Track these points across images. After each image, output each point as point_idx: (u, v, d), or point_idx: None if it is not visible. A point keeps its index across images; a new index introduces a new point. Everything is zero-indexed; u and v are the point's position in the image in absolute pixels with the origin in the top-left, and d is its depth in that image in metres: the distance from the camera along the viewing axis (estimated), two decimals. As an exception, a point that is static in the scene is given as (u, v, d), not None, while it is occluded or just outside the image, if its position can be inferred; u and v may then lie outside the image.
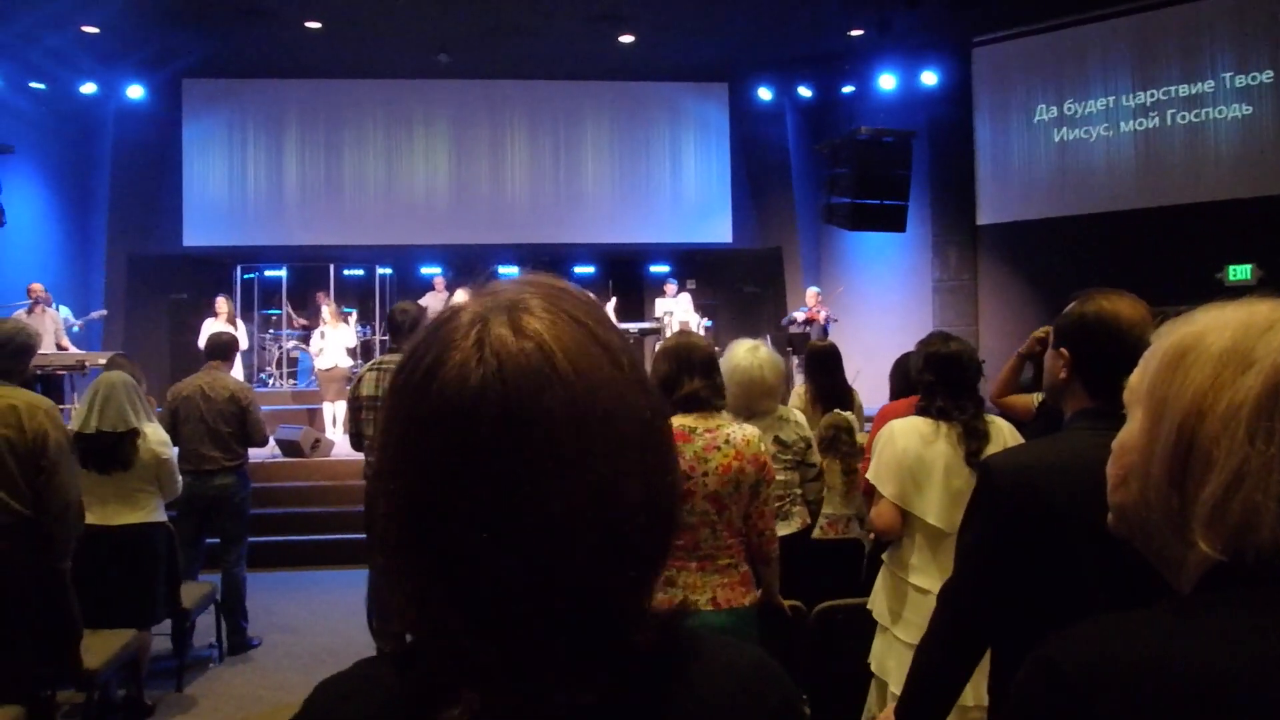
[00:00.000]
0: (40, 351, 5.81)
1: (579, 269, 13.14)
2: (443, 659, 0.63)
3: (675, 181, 12.56)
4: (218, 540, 5.26)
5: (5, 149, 9.65)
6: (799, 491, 3.56)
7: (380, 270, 12.72)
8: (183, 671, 4.72)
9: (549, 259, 12.71)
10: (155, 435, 4.31)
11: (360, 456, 5.01)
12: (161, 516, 4.35)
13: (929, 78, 11.20)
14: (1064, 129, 10.71)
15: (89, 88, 11.14)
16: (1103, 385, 1.60)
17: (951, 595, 1.71)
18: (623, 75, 12.06)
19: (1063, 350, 1.67)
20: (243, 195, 12.07)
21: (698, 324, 10.75)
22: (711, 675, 0.69)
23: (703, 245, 12.61)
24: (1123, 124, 10.32)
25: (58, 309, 9.38)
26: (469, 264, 12.26)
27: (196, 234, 11.93)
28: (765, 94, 11.99)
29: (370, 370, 4.29)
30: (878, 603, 2.65)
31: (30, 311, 8.79)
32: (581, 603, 0.62)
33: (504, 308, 0.65)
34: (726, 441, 2.59)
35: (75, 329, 9.47)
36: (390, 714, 0.65)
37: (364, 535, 7.08)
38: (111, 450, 4.16)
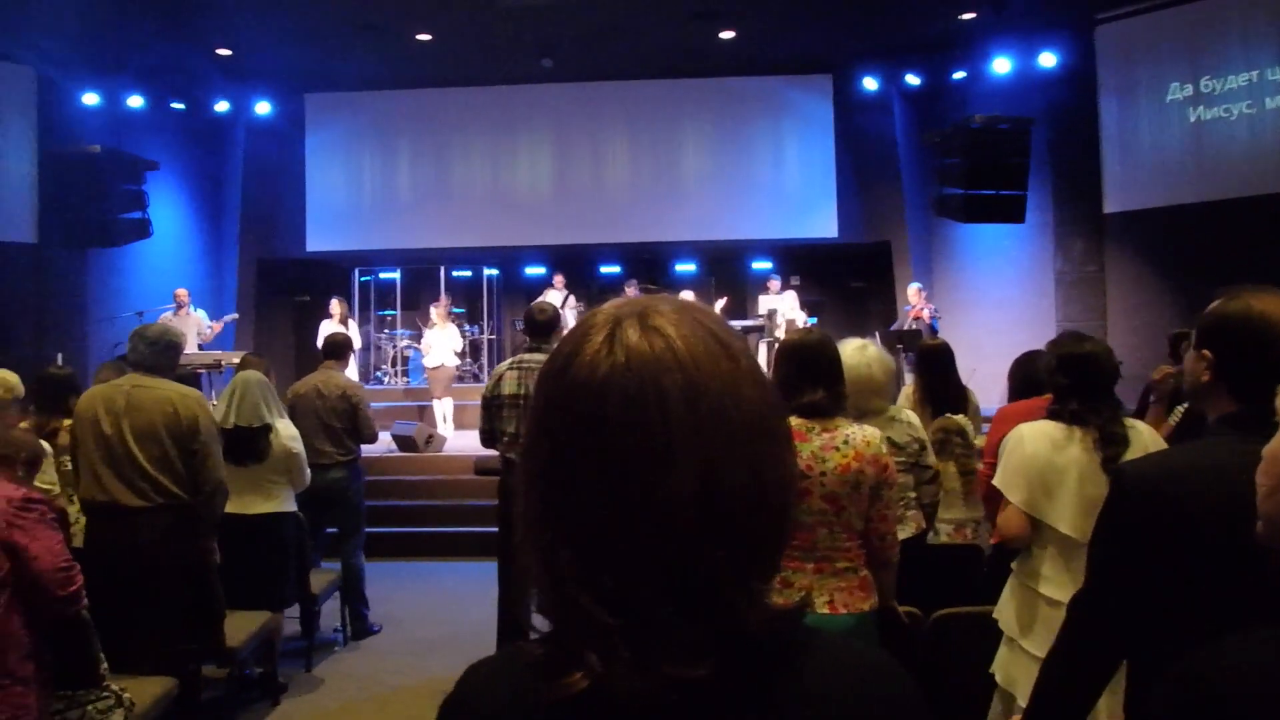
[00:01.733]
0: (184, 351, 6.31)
1: (680, 266, 13.23)
2: (570, 625, 0.69)
3: (777, 176, 12.55)
4: (336, 530, 5.62)
5: (151, 165, 10.63)
6: (913, 495, 3.50)
7: (487, 271, 13.09)
8: (311, 653, 5.11)
9: (650, 257, 12.88)
10: (286, 430, 4.69)
11: (482, 451, 5.24)
12: (292, 506, 4.74)
13: (1047, 60, 10.85)
14: (1200, 108, 10.18)
15: (222, 106, 12.10)
16: (1249, 390, 1.53)
17: (1082, 606, 1.67)
18: (722, 71, 12.12)
19: (1205, 352, 1.60)
20: (359, 201, 12.70)
21: (803, 321, 10.71)
22: (827, 671, 0.72)
23: (807, 240, 12.54)
24: (1268, 100, 9.76)
25: (195, 312, 10.16)
26: (572, 263, 12.59)
27: (318, 239, 12.64)
28: (871, 84, 11.86)
29: (511, 369, 4.44)
30: (1005, 612, 2.60)
31: (175, 314, 9.57)
32: (690, 581, 0.67)
33: (636, 313, 0.73)
34: (845, 441, 2.55)
35: (212, 329, 10.23)
36: (528, 686, 0.71)
37: (475, 529, 7.47)
38: (247, 444, 4.56)
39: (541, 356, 4.38)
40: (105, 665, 3.17)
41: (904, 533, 3.34)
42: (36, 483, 3.33)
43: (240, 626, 4.15)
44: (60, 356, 9.60)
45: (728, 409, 0.69)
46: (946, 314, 11.00)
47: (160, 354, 3.98)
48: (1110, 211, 10.77)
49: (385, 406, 10.44)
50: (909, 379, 5.34)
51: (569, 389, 0.71)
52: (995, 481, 2.62)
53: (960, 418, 3.99)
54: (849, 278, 12.95)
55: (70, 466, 4.00)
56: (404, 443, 8.72)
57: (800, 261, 12.91)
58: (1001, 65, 11.06)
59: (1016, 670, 2.50)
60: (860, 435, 2.58)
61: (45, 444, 3.93)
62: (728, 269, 13.06)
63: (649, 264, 12.73)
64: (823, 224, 12.36)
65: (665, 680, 0.66)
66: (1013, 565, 2.66)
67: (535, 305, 4.68)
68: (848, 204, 12.41)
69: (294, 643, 5.12)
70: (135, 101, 11.52)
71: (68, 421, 4.08)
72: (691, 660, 0.66)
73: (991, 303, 11.24)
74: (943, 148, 10.13)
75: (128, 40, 10.39)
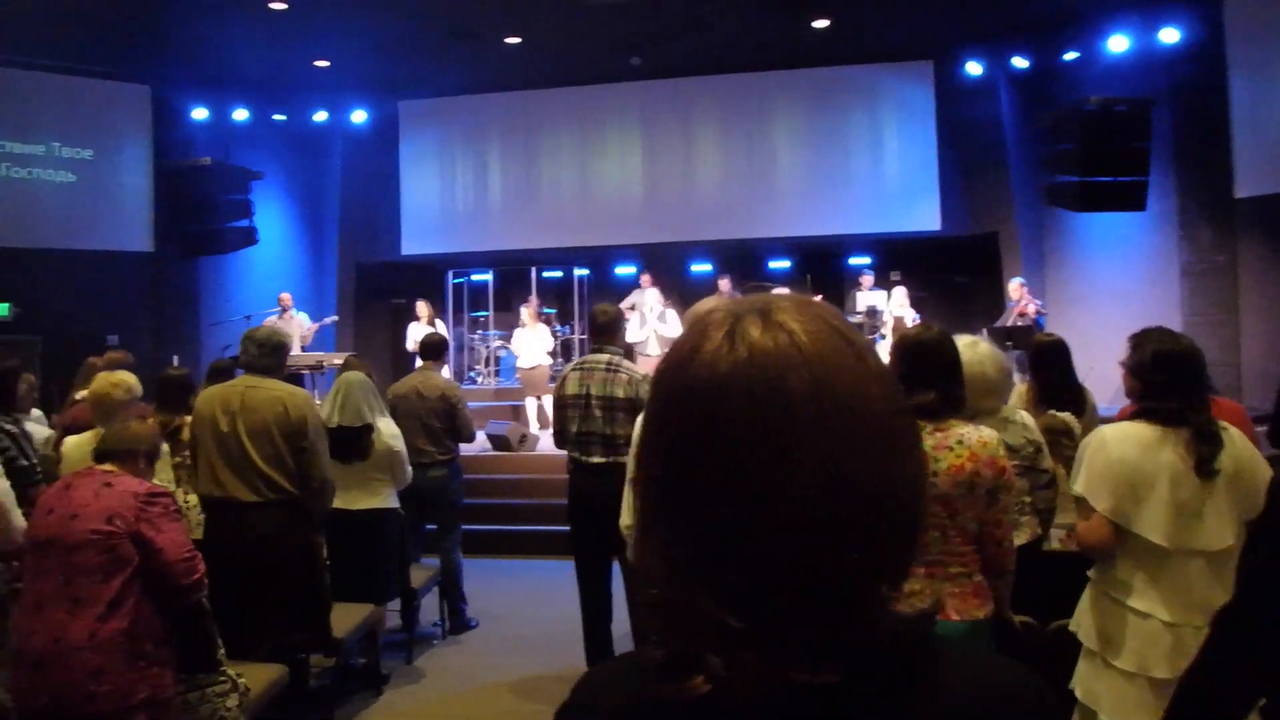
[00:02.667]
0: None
1: (774, 263, 13.13)
2: (691, 627, 0.68)
3: (875, 168, 12.38)
4: (435, 527, 5.86)
5: (256, 175, 11.35)
6: (1028, 500, 3.42)
7: (577, 271, 13.26)
8: (411, 646, 5.36)
9: (743, 254, 12.78)
10: (388, 429, 4.95)
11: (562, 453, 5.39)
12: (394, 503, 4.98)
13: (1169, 35, 10.39)
14: (1342, 81, 9.63)
15: (320, 116, 12.75)
16: None
17: (1231, 622, 1.60)
18: (815, 61, 12.03)
19: None
20: (452, 205, 13.08)
21: (912, 319, 10.51)
22: (959, 680, 0.71)
23: (908, 234, 12.33)
24: None
25: (297, 315, 10.70)
26: (662, 262, 12.68)
27: (412, 243, 13.09)
28: (975, 68, 11.60)
29: (574, 370, 4.56)
30: (1084, 625, 2.56)
31: (279, 317, 10.12)
32: (817, 584, 0.66)
33: (757, 309, 0.72)
34: (959, 442, 2.48)
35: (312, 331, 10.75)
36: (646, 689, 0.71)
37: (568, 527, 7.62)
38: (351, 442, 4.82)
39: (604, 357, 4.46)
40: (223, 651, 3.43)
41: (1019, 539, 3.24)
42: (155, 479, 3.59)
43: (345, 618, 4.39)
44: (176, 358, 10.28)
45: (855, 407, 0.68)
46: (1058, 309, 10.69)
47: (269, 355, 4.26)
48: (1242, 196, 10.26)
49: (479, 406, 10.73)
50: (1017, 378, 5.23)
51: (687, 387, 0.71)
52: (1077, 488, 2.58)
53: (1067, 416, 3.89)
54: (953, 272, 12.68)
55: (190, 462, 4.30)
56: (499, 442, 8.98)
57: (901, 256, 12.71)
58: (1118, 43, 10.67)
59: (1100, 686, 2.46)
60: (976, 436, 2.51)
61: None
62: (823, 265, 12.93)
63: (741, 261, 12.70)
64: (925, 216, 12.14)
65: (791, 685, 0.66)
66: (1090, 574, 2.61)
67: (597, 307, 4.78)
68: (951, 195, 12.17)
69: (395, 635, 5.38)
70: (240, 115, 12.26)
71: (187, 419, 4.40)
72: (819, 666, 0.66)
73: (1108, 296, 10.85)
74: (1054, 133, 9.86)
75: (232, 56, 11.04)
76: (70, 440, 4.18)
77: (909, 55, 11.95)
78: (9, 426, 4.03)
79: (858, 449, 0.67)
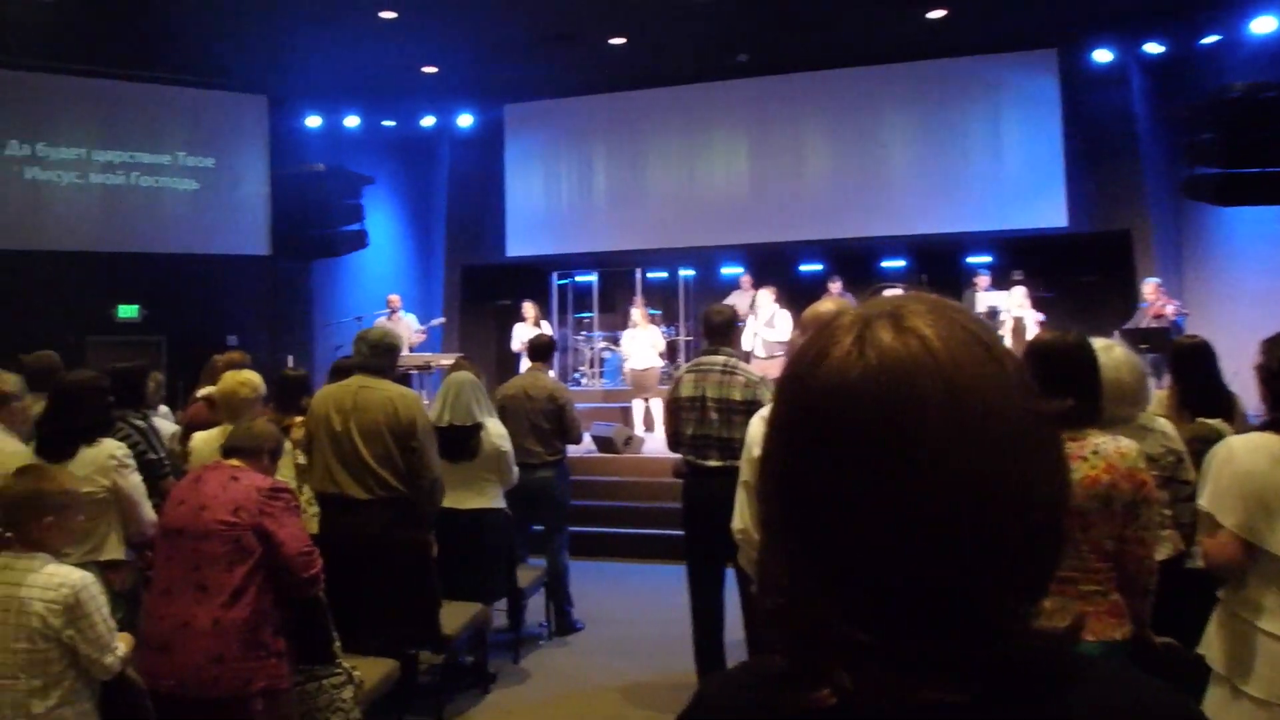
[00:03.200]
0: (398, 355, 6.85)
1: (887, 263, 12.88)
2: (817, 639, 0.67)
3: (995, 163, 12.00)
4: (542, 528, 5.93)
5: (367, 180, 11.81)
6: (1168, 513, 3.24)
7: (683, 272, 13.24)
8: (518, 646, 5.45)
9: (854, 254, 12.57)
10: (496, 429, 5.04)
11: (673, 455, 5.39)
12: (501, 503, 5.08)
13: (1319, 16, 9.83)
14: None
15: (428, 121, 13.19)
16: None
17: None
18: (930, 54, 11.75)
19: None
20: (556, 206, 13.30)
21: (1034, 320, 10.16)
22: (1102, 703, 0.68)
23: (1031, 231, 11.91)
24: None
25: (406, 316, 11.02)
26: (771, 262, 12.57)
27: (518, 244, 13.36)
28: (1103, 56, 11.15)
29: (689, 372, 4.52)
30: (1213, 648, 2.47)
31: (388, 319, 10.45)
32: (949, 600, 0.65)
33: (887, 313, 0.70)
34: (1095, 452, 2.39)
35: (420, 333, 11.07)
36: (768, 700, 0.70)
37: (675, 532, 7.62)
38: (460, 442, 4.93)
39: (719, 358, 4.42)
40: (338, 644, 3.55)
41: (1159, 554, 3.06)
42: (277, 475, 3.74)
43: (454, 616, 4.49)
44: (290, 358, 10.74)
45: (992, 416, 0.66)
46: (1198, 310, 10.16)
47: (381, 356, 4.41)
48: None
49: (587, 408, 10.83)
50: (1152, 383, 4.97)
51: (814, 393, 0.69)
52: (1202, 504, 2.47)
53: (1218, 423, 3.69)
54: (1080, 271, 12.19)
55: (304, 460, 4.47)
56: (604, 443, 9.05)
57: (1023, 254, 12.29)
58: (1264, 24, 10.10)
59: (1230, 714, 2.37)
60: (1113, 446, 2.41)
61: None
62: (940, 265, 12.61)
63: (852, 261, 12.49)
64: (1049, 213, 11.71)
65: (920, 703, 0.64)
66: (1219, 594, 2.51)
67: (712, 307, 4.74)
68: (1079, 190, 11.71)
69: (502, 635, 5.47)
70: (351, 121, 12.80)
71: (298, 419, 4.58)
72: (951, 684, 0.64)
73: (1254, 296, 10.25)
74: (1193, 123, 9.40)
75: (344, 65, 11.49)
76: (199, 435, 4.39)
77: (1031, 44, 11.57)
78: (139, 422, 4.27)
79: (994, 459, 0.65)
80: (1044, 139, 11.77)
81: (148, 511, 3.74)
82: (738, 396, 4.27)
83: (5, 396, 3.88)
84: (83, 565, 3.04)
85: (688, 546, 4.58)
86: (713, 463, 4.34)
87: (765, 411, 3.03)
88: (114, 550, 3.70)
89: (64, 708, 2.62)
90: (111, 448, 3.73)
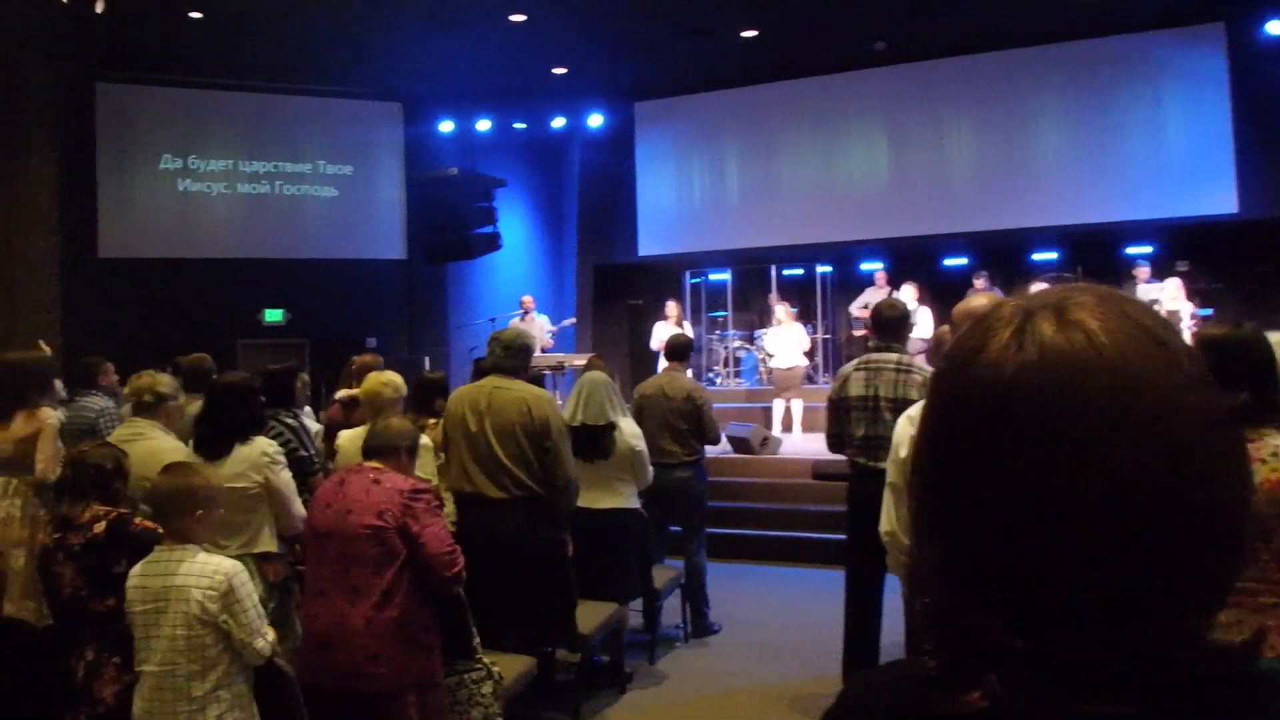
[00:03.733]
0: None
1: (1038, 255, 12.38)
2: (967, 641, 0.66)
3: (1156, 146, 11.34)
4: (679, 529, 5.96)
5: (499, 183, 12.12)
6: None
7: (820, 268, 13.08)
8: (654, 647, 5.48)
9: (1002, 246, 12.15)
10: (629, 429, 5.08)
11: (822, 455, 5.27)
12: (635, 503, 5.11)
13: None
14: None
15: (559, 122, 13.40)
16: None
17: None
18: (1081, 33, 11.20)
19: None
20: (688, 204, 13.33)
21: (1189, 314, 9.57)
22: None
23: (1196, 219, 11.20)
24: None
25: (539, 317, 11.24)
26: (912, 257, 12.24)
27: (649, 243, 13.44)
28: (1277, 28, 10.38)
29: (858, 369, 4.43)
30: None
31: (521, 320, 10.69)
32: (1113, 607, 0.62)
33: (1050, 305, 0.68)
34: (1274, 454, 2.30)
35: (553, 333, 11.28)
36: (916, 700, 0.69)
37: (813, 534, 7.55)
38: (594, 441, 4.99)
39: (892, 356, 4.31)
40: (478, 640, 3.64)
41: None
42: (416, 472, 3.86)
43: (590, 615, 4.54)
44: (427, 360, 11.12)
45: (1164, 416, 0.63)
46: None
47: (515, 356, 4.50)
48: None
49: (725, 408, 10.81)
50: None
51: (970, 388, 0.67)
52: None
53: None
54: (1252, 260, 11.38)
55: (441, 460, 4.61)
56: (739, 444, 9.01)
57: (1188, 243, 11.58)
58: None
59: None
60: None
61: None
62: (1095, 256, 12.02)
63: (1000, 254, 12.06)
64: (1218, 198, 11.00)
65: (1077, 715, 0.62)
66: None
67: (884, 302, 4.62)
68: (1251, 173, 10.95)
69: (637, 636, 5.50)
70: (483, 125, 13.13)
71: (431, 421, 4.72)
72: (1112, 697, 0.62)
73: None
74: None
75: (475, 69, 11.79)
76: (345, 434, 4.59)
77: (1195, 18, 10.90)
78: (290, 420, 4.49)
79: (1166, 461, 0.62)
80: (1211, 119, 11.06)
81: (298, 507, 3.92)
82: (915, 396, 4.13)
83: (161, 397, 4.17)
84: (238, 558, 3.21)
85: (851, 548, 4.51)
86: (885, 465, 4.24)
87: (913, 411, 2.95)
88: (267, 543, 3.90)
89: (220, 690, 2.77)
90: (264, 445, 3.92)
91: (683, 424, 5.77)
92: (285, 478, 3.95)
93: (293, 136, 12.45)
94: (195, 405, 4.65)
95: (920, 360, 4.81)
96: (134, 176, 11.79)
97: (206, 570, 2.77)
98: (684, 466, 5.77)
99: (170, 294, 11.32)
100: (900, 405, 4.15)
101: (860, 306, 11.15)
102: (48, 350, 5.38)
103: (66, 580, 3.03)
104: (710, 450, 7.09)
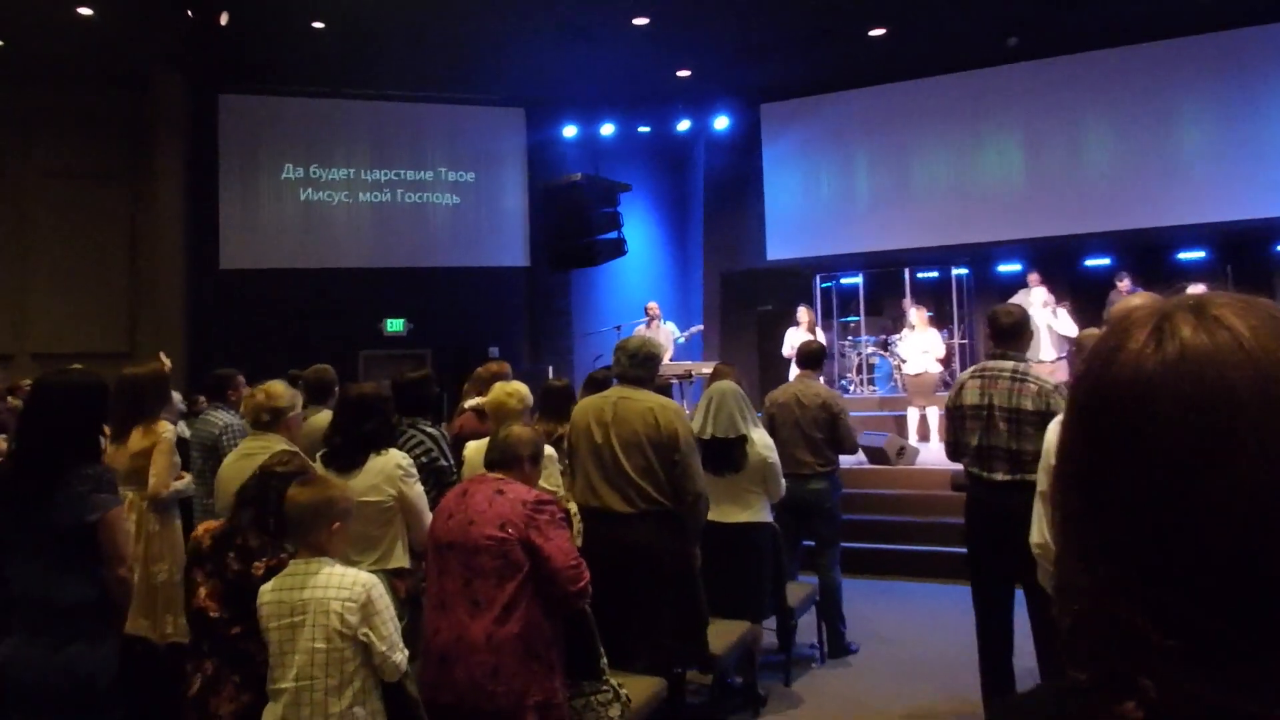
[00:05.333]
0: (660, 363, 6.93)
1: (1184, 254, 11.87)
2: (1120, 645, 0.66)
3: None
4: (813, 543, 5.81)
5: (624, 188, 12.12)
6: None
7: (955, 271, 12.81)
8: (789, 667, 5.29)
9: (1145, 245, 11.70)
10: (761, 440, 4.94)
11: (950, 465, 5.14)
12: (768, 517, 4.97)
13: None
14: None
15: (683, 125, 13.33)
16: None
17: None
18: (1228, 22, 10.62)
19: None
20: (817, 206, 13.10)
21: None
22: None
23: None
24: None
25: (665, 324, 11.21)
26: (1052, 258, 11.74)
27: (778, 248, 13.26)
28: None
29: (973, 377, 4.32)
30: None
31: (647, 327, 10.68)
32: (1266, 604, 0.62)
33: (1188, 305, 0.69)
34: None
35: (680, 341, 11.23)
36: (1067, 713, 0.69)
37: (953, 549, 7.25)
38: (724, 454, 4.87)
39: (1009, 364, 4.18)
40: (605, 660, 3.58)
41: None
42: (542, 483, 3.85)
43: (721, 634, 4.42)
44: (551, 368, 11.23)
45: None
46: None
47: (640, 365, 4.41)
48: None
49: (859, 416, 10.58)
50: None
51: (1109, 388, 0.68)
52: None
53: None
54: None
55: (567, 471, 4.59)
56: (874, 454, 8.77)
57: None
58: None
59: None
60: None
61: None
62: (1247, 255, 11.37)
63: (1144, 254, 11.56)
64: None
65: (1236, 716, 0.61)
66: None
67: (1000, 308, 4.48)
68: None
69: (772, 656, 5.35)
70: (607, 129, 13.14)
71: (564, 428, 4.70)
72: (1273, 698, 0.61)
73: None
74: None
75: (599, 74, 11.83)
76: (472, 445, 4.59)
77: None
78: (430, 429, 4.48)
79: None
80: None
81: (429, 521, 3.94)
82: (1029, 406, 4.02)
83: (277, 412, 4.12)
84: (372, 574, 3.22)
85: (972, 564, 4.36)
86: (1000, 476, 4.10)
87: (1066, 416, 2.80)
88: (399, 559, 3.86)
89: (356, 707, 2.75)
90: (397, 457, 3.89)
91: (817, 433, 5.63)
92: (418, 490, 3.92)
93: (415, 144, 12.75)
94: (319, 417, 4.77)
95: (1042, 369, 4.64)
96: (256, 188, 12.22)
97: (345, 582, 2.75)
98: (818, 478, 5.62)
99: (291, 305, 11.70)
100: (1015, 415, 4.06)
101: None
102: (168, 364, 5.50)
103: (202, 597, 2.99)
104: (845, 460, 6.95)
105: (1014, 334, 4.27)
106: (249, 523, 3.04)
